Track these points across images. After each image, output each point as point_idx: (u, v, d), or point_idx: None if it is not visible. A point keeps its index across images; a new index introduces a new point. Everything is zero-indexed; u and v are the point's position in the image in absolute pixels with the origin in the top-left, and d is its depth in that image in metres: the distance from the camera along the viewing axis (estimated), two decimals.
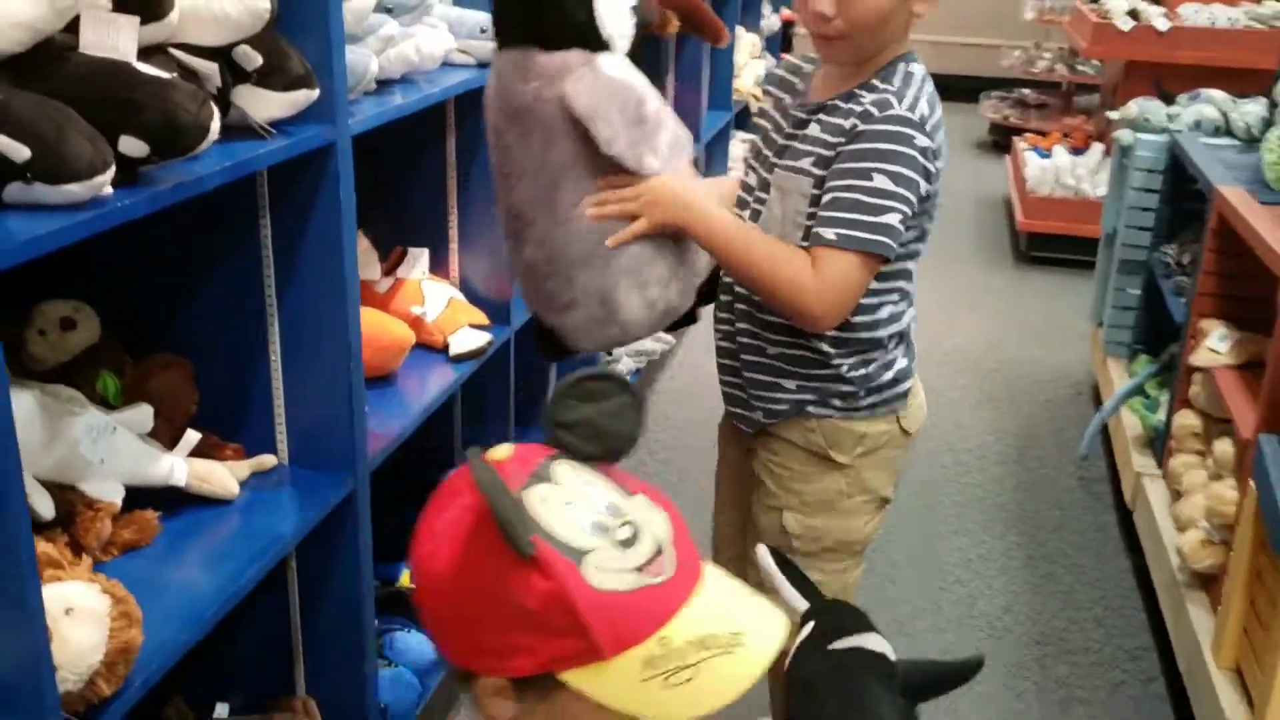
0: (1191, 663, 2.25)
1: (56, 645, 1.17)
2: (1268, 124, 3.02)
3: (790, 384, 1.70)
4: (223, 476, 1.66)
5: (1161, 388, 3.14)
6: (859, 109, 1.57)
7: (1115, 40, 4.89)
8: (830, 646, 1.15)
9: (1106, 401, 3.36)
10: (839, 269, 1.54)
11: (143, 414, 1.54)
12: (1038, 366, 4.14)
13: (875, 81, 1.60)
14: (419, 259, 2.31)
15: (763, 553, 1.29)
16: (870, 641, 1.16)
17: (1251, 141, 3.13)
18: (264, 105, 1.48)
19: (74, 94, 1.18)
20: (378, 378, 2.08)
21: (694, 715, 0.88)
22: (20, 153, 1.11)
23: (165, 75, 1.26)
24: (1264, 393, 2.15)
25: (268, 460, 1.76)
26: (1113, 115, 3.81)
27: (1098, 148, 5.53)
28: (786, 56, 1.82)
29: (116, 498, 1.49)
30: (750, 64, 5.17)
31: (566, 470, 0.94)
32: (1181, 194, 3.28)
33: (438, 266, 2.39)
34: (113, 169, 1.16)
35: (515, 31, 1.62)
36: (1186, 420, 2.69)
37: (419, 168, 2.33)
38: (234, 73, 1.46)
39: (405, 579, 2.22)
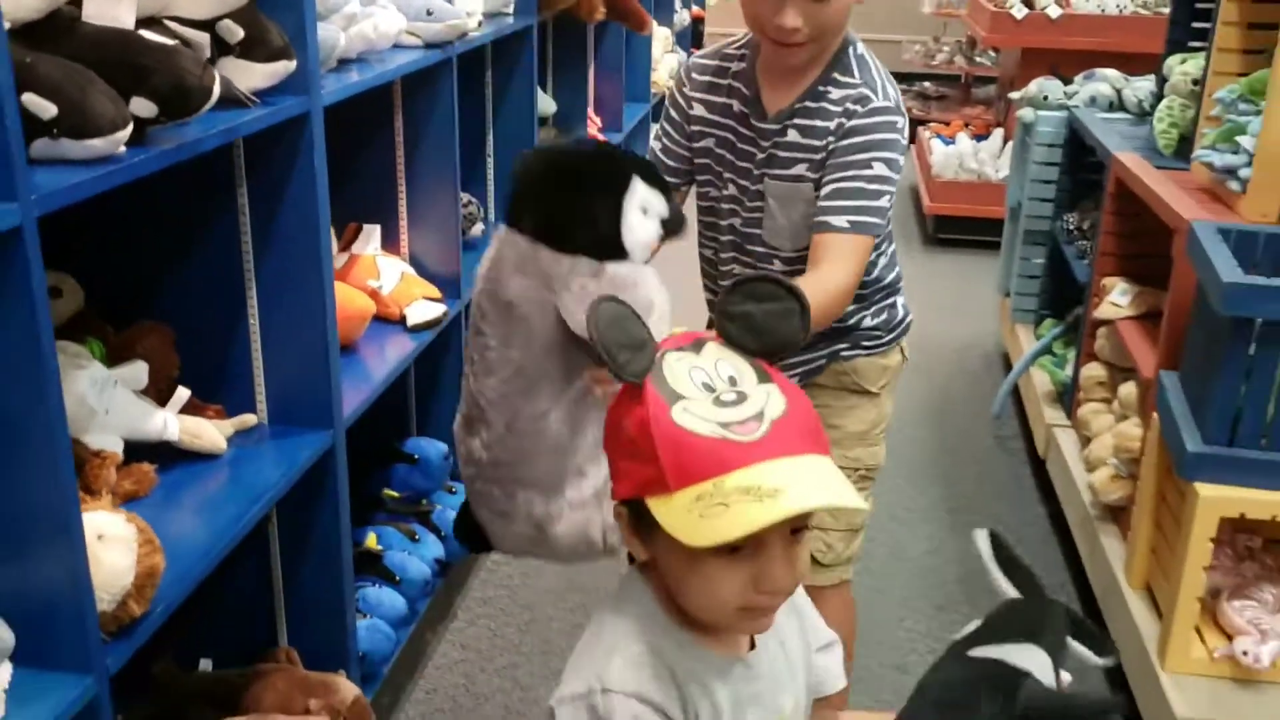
0: (1106, 588, 2.44)
1: (93, 568, 1.27)
2: (1158, 98, 3.23)
3: (823, 345, 1.87)
4: (211, 432, 1.75)
5: (1067, 346, 3.34)
6: (838, 108, 1.68)
7: (1011, 28, 5.14)
8: (970, 652, 1.11)
9: (1016, 363, 3.56)
10: (853, 252, 1.65)
11: (138, 370, 1.63)
12: (950, 340, 4.34)
13: (836, 75, 1.70)
14: (372, 235, 2.41)
15: (980, 536, 1.30)
16: (1020, 655, 1.09)
17: (1143, 115, 3.36)
18: (247, 76, 1.58)
19: (88, 59, 1.28)
20: (341, 348, 2.17)
21: (702, 541, 0.94)
22: (48, 110, 1.20)
23: (170, 42, 1.36)
24: (1162, 335, 2.35)
25: (249, 419, 1.86)
26: (1014, 95, 4.03)
27: (998, 133, 5.79)
28: (695, 57, 1.88)
29: (118, 449, 1.58)
30: (665, 58, 5.33)
31: (715, 348, 1.04)
32: (1080, 165, 3.50)
33: (389, 243, 2.49)
34: (130, 126, 1.26)
35: (528, 220, 1.50)
36: (1093, 371, 2.89)
37: (368, 148, 2.43)
38: (218, 46, 1.56)
39: (371, 541, 2.32)
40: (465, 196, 2.72)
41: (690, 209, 1.77)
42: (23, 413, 1.18)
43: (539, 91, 3.19)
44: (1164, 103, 2.95)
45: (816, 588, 1.90)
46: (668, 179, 1.70)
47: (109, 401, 1.55)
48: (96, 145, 1.23)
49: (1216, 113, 2.52)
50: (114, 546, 1.30)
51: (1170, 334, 2.32)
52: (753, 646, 1.11)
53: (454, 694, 2.34)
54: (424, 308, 2.36)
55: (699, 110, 1.82)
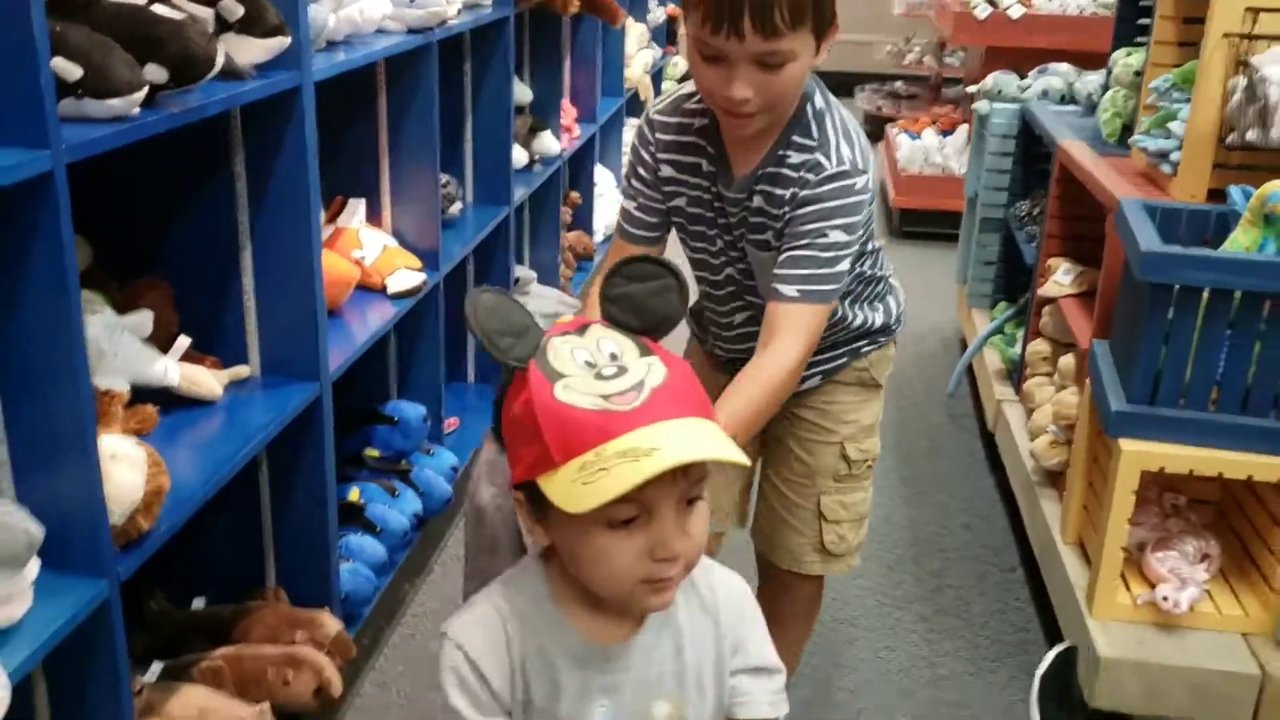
0: (1043, 545, 2.60)
1: (106, 485, 1.41)
2: (1105, 90, 3.41)
3: (844, 344, 1.90)
4: (209, 380, 1.89)
5: (1018, 327, 3.51)
6: (795, 174, 1.61)
7: (974, 28, 5.31)
8: None
9: (971, 344, 3.73)
10: (803, 321, 1.60)
11: (143, 318, 1.77)
12: (911, 327, 4.40)
13: (795, 138, 1.63)
14: (357, 208, 2.55)
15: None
16: None
17: (1092, 107, 3.53)
18: (246, 50, 1.73)
19: (108, 30, 1.42)
20: (327, 312, 2.31)
21: (578, 507, 0.98)
22: (74, 73, 1.34)
23: (178, 17, 1.51)
24: (1096, 306, 2.51)
25: (243, 370, 2.00)
26: (971, 89, 4.20)
27: (963, 129, 5.96)
28: (653, 112, 1.76)
29: (125, 390, 1.71)
30: (639, 53, 5.48)
31: (598, 329, 1.09)
32: (1032, 156, 3.67)
33: (372, 217, 2.64)
34: (146, 88, 1.41)
35: (499, 427, 1.51)
36: (1038, 347, 3.06)
37: (354, 127, 2.58)
38: (219, 22, 1.70)
39: (354, 495, 2.46)
40: (444, 177, 2.86)
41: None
42: (50, 341, 1.32)
43: (516, 81, 3.34)
44: (1108, 94, 3.12)
45: (812, 576, 2.04)
46: (644, 235, 1.78)
47: (118, 345, 1.69)
48: (115, 105, 1.38)
49: (1151, 101, 2.69)
50: (125, 466, 1.44)
51: (1102, 305, 2.49)
52: (634, 638, 1.15)
53: (430, 639, 2.49)
54: (405, 277, 2.50)
55: (668, 171, 1.74)
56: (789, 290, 1.60)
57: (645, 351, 1.07)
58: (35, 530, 1.26)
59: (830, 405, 1.93)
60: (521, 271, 3.69)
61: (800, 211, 1.61)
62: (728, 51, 1.48)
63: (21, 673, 1.28)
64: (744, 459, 1.00)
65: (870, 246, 1.82)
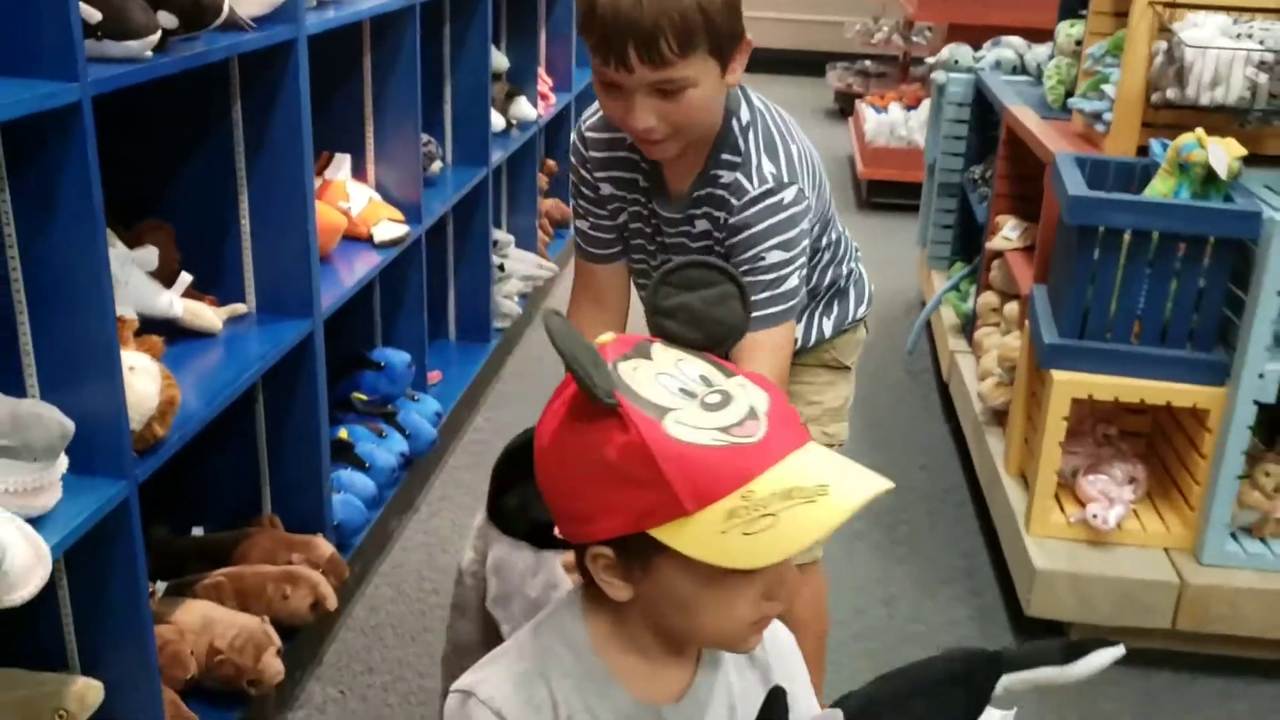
0: (989, 478, 2.79)
1: (126, 394, 1.56)
2: (1051, 59, 3.58)
3: (808, 326, 1.83)
4: (209, 314, 2.05)
5: (971, 284, 3.69)
6: (725, 193, 1.57)
7: (937, 6, 5.51)
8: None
9: (928, 303, 3.91)
10: (762, 351, 1.53)
11: (150, 253, 1.93)
12: (875, 291, 4.66)
13: (724, 155, 1.57)
14: (343, 163, 2.71)
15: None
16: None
17: (1040, 77, 3.72)
18: (246, 4, 1.88)
19: None
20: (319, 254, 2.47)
21: (768, 560, 0.87)
22: (95, 16, 1.50)
23: None
24: (1035, 255, 2.70)
25: (240, 307, 2.16)
26: (930, 60, 4.38)
27: (927, 103, 6.13)
28: (584, 128, 1.68)
29: (134, 318, 1.87)
30: None
31: (663, 349, 0.95)
32: (986, 123, 3.85)
33: (357, 172, 2.79)
34: (160, 32, 1.56)
35: (489, 499, 1.48)
36: (987, 299, 3.24)
37: (340, 86, 2.72)
38: None
39: (343, 434, 2.62)
40: (425, 137, 3.01)
41: None
42: (80, 260, 1.48)
43: (493, 49, 3.49)
44: (1053, 62, 3.30)
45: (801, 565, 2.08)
46: (605, 254, 1.74)
47: (127, 276, 1.84)
48: (132, 46, 1.53)
49: (1088, 66, 2.87)
50: (142, 377, 1.60)
51: (1040, 253, 2.67)
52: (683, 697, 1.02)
53: (418, 569, 2.66)
54: (389, 227, 2.66)
55: (608, 189, 1.69)
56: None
57: (727, 370, 0.95)
58: (67, 423, 1.41)
59: (794, 385, 1.83)
60: (500, 235, 3.84)
61: (734, 240, 1.55)
62: (621, 82, 1.43)
63: (52, 558, 1.44)
64: (892, 484, 0.91)
65: (825, 241, 1.75)
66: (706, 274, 0.97)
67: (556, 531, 0.99)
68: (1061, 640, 1.04)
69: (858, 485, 0.89)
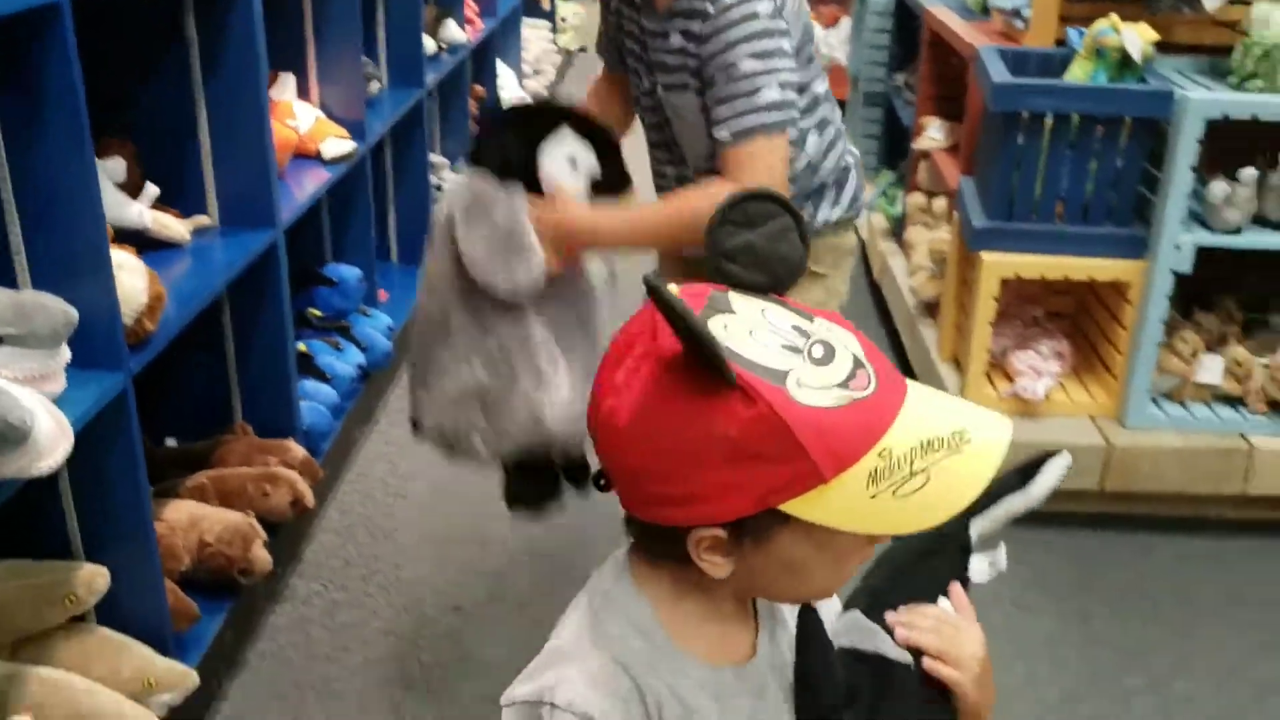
0: (923, 366, 2.94)
1: (117, 289, 1.63)
2: None
3: None
4: (177, 224, 2.11)
5: (899, 189, 3.83)
6: (699, 6, 1.59)
7: None
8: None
9: None
10: (739, 162, 1.55)
11: (118, 164, 1.98)
12: None
13: None
14: (288, 82, 2.75)
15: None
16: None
17: None
18: None
19: None
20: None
21: (933, 521, 0.82)
22: None
23: None
24: (961, 149, 2.83)
25: (204, 219, 2.21)
26: None
27: (846, 21, 6.24)
28: None
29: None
30: None
31: (740, 299, 0.86)
32: (908, 31, 3.97)
33: (301, 93, 2.83)
34: None
35: (471, 152, 1.70)
36: (915, 200, 3.38)
37: (280, 5, 2.75)
38: None
39: (302, 348, 2.68)
40: (363, 58, 3.06)
41: None
42: (68, 161, 1.53)
43: None
44: None
45: None
46: (611, 62, 1.85)
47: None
48: None
49: None
50: (131, 274, 1.66)
51: (966, 147, 2.80)
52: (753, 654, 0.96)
53: (383, 476, 2.75)
54: (337, 144, 2.72)
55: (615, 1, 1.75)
56: (722, 134, 1.59)
57: (806, 314, 0.86)
58: (70, 310, 1.47)
59: None
60: (435, 158, 3.89)
61: (706, 50, 1.59)
62: None
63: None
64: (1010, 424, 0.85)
65: (808, 83, 1.73)
66: (764, 206, 0.89)
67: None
68: (1011, 470, 1.08)
69: (990, 427, 0.83)
